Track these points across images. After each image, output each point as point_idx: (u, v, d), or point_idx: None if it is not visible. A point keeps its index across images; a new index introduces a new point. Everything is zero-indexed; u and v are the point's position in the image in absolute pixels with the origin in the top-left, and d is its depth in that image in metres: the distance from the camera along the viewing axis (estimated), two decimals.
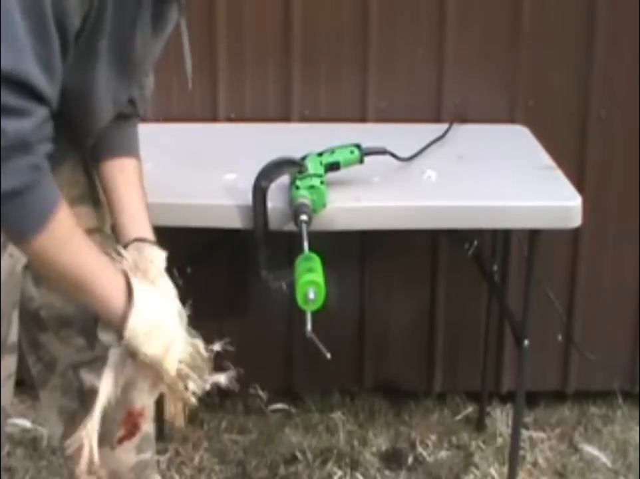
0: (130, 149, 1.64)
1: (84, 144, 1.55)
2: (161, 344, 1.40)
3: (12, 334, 1.53)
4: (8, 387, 1.55)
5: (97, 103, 1.42)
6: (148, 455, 1.80)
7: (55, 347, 1.68)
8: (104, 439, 1.73)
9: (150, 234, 1.57)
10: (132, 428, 1.58)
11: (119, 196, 1.59)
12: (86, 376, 1.69)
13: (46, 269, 1.33)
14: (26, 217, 1.23)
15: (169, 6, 1.45)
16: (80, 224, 1.37)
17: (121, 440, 1.61)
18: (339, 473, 2.49)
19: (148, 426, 1.78)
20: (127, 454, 1.75)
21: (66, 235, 1.28)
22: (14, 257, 1.46)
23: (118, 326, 1.36)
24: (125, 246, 1.51)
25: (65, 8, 1.23)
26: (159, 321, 1.40)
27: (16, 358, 1.57)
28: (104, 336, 1.39)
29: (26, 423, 2.59)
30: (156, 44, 1.51)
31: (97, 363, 1.65)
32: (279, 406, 2.75)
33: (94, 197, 1.65)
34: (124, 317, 1.35)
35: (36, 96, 1.20)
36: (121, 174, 1.60)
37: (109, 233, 1.64)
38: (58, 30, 1.22)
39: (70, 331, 1.66)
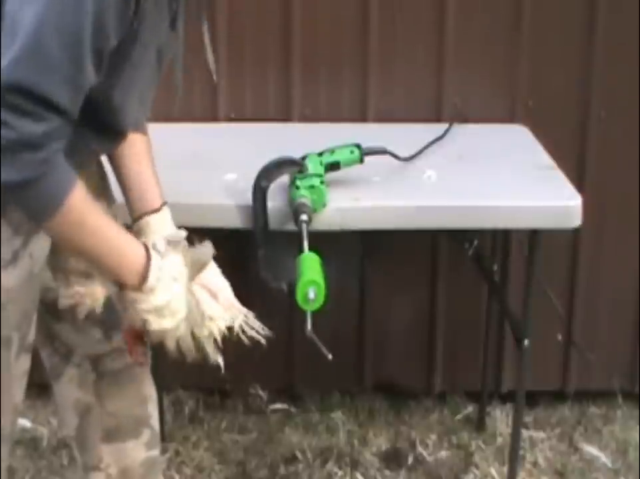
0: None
1: (112, 149, 1.59)
2: (171, 321, 1.47)
3: (31, 334, 1.55)
4: (22, 385, 1.57)
5: (125, 105, 1.46)
6: (156, 452, 1.83)
7: (72, 338, 1.71)
8: (115, 434, 1.76)
9: (160, 202, 1.62)
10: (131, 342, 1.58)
11: (128, 172, 1.62)
12: (109, 365, 1.72)
13: (67, 247, 1.44)
14: (38, 205, 1.32)
15: (182, 7, 1.49)
16: None
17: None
18: (339, 473, 2.49)
19: (155, 423, 1.80)
20: (137, 450, 1.78)
21: (80, 218, 1.35)
22: (34, 258, 1.49)
23: (136, 287, 1.43)
24: (134, 222, 1.59)
25: (105, 36, 1.29)
26: (169, 300, 1.46)
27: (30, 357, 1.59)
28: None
29: (26, 423, 2.59)
30: (174, 43, 1.54)
31: (115, 354, 1.68)
32: (279, 406, 2.75)
33: (107, 197, 1.69)
34: (144, 277, 1.43)
35: (56, 110, 1.27)
36: (130, 149, 1.61)
37: None
38: (95, 54, 1.28)
39: (87, 322, 1.68)
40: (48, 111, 1.26)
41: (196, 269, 1.53)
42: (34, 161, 1.26)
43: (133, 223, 1.61)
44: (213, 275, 1.58)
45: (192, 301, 1.50)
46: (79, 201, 1.34)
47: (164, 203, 1.63)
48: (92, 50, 1.27)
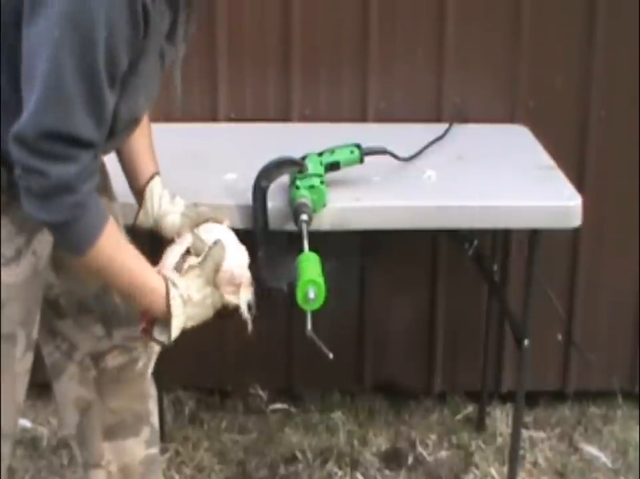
0: None
1: (115, 149, 1.63)
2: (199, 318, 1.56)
3: (35, 331, 1.56)
4: (25, 383, 1.58)
5: (129, 111, 1.47)
6: (156, 450, 1.85)
7: (73, 334, 1.72)
8: (115, 431, 1.76)
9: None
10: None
11: (130, 142, 1.66)
12: (110, 363, 1.73)
13: (95, 279, 1.53)
14: (71, 243, 1.41)
15: (181, 15, 1.50)
16: None
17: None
18: (339, 473, 2.49)
19: (155, 421, 1.81)
20: (137, 448, 1.80)
21: (110, 254, 1.43)
22: (38, 255, 1.50)
23: (164, 319, 1.50)
24: (147, 183, 1.70)
25: (117, 63, 1.33)
26: (193, 317, 1.53)
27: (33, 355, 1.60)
28: (160, 336, 1.52)
29: (26, 423, 2.59)
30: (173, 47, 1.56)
31: (116, 351, 1.68)
32: (279, 406, 2.75)
33: (109, 192, 1.71)
34: (168, 313, 1.49)
35: (83, 144, 1.32)
36: None
37: (121, 226, 1.71)
38: (110, 79, 1.33)
39: (89, 319, 1.71)
40: (78, 149, 1.31)
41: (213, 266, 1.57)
42: (70, 204, 1.33)
43: (136, 196, 1.70)
44: (232, 258, 1.61)
45: (217, 296, 1.56)
46: (109, 240, 1.41)
47: (155, 174, 1.71)
48: (107, 77, 1.31)
